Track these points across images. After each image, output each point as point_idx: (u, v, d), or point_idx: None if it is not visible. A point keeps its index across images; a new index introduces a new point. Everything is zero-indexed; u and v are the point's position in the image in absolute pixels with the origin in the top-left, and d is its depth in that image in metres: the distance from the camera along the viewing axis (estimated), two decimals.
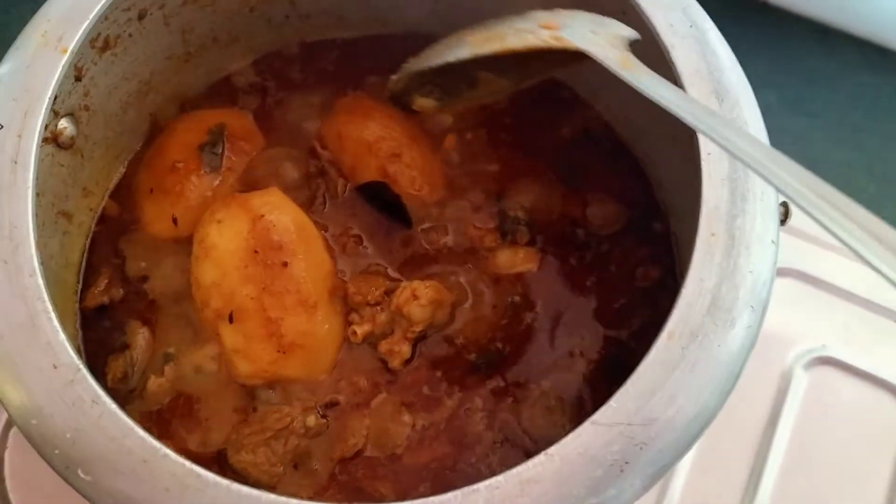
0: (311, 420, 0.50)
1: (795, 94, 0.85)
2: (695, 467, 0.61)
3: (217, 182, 0.57)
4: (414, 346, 0.53)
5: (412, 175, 0.57)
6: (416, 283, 0.52)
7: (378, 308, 0.53)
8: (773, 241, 0.43)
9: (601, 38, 0.43)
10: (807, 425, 0.63)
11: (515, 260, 0.56)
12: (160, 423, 0.52)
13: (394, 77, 0.53)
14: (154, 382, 0.51)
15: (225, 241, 0.51)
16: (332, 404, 0.52)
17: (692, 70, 0.46)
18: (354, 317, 0.53)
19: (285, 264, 0.51)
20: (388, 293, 0.53)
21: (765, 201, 0.44)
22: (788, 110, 0.85)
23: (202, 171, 0.57)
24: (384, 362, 0.53)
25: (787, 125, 0.84)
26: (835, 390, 0.65)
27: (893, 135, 0.83)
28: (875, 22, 0.84)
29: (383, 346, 0.52)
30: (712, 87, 0.45)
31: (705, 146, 0.44)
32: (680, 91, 0.39)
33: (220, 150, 0.57)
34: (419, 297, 0.52)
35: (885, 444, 0.63)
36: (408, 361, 0.53)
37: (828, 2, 0.84)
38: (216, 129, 0.58)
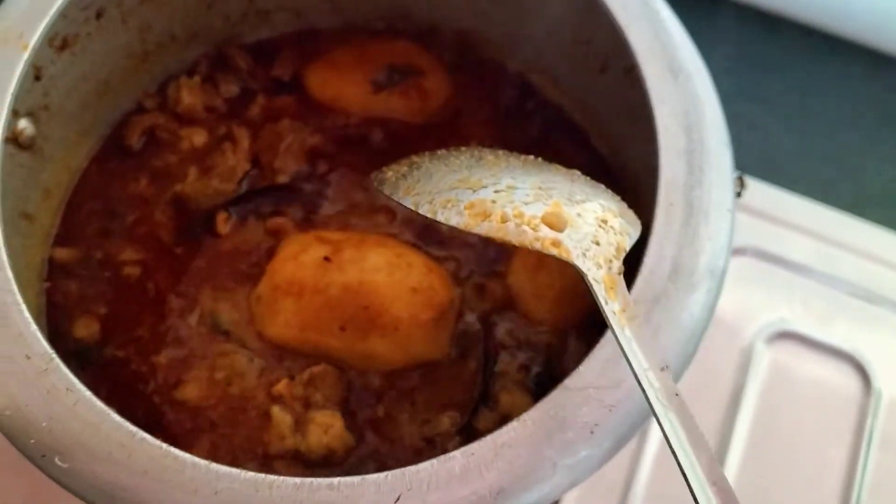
0: None
1: (749, 81, 0.87)
2: (665, 443, 0.62)
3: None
4: None
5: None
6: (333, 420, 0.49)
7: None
8: (729, 210, 0.45)
9: (600, 257, 0.38)
10: (770, 398, 0.65)
11: None
12: None
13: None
14: None
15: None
16: None
17: (646, 48, 0.47)
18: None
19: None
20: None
21: (720, 173, 0.45)
22: (743, 97, 0.87)
23: None
24: None
25: (742, 111, 0.86)
26: (796, 363, 0.67)
27: (844, 119, 0.86)
28: (821, 10, 0.87)
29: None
30: (666, 63, 0.47)
31: (661, 121, 0.45)
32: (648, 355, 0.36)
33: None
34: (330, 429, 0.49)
35: (845, 413, 0.65)
36: None
37: None
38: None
